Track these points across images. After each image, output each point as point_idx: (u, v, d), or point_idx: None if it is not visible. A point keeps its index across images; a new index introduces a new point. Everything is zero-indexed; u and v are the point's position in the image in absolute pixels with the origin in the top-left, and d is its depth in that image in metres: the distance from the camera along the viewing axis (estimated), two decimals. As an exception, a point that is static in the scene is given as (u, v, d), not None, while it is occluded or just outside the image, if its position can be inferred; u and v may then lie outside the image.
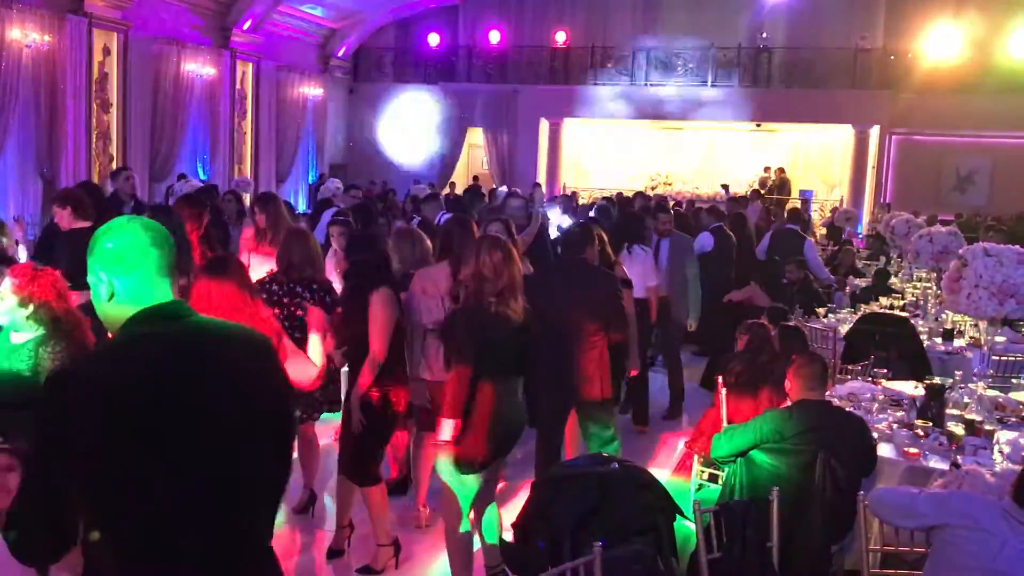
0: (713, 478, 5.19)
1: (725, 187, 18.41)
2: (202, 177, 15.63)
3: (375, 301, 4.39)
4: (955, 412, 4.85)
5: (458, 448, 3.91)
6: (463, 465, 3.91)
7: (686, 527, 3.69)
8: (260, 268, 5.35)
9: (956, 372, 5.60)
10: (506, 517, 4.25)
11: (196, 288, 3.44)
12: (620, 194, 14.58)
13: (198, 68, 15.79)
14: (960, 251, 5.31)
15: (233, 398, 1.90)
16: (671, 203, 14.36)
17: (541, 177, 19.63)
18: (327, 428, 5.92)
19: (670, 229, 7.92)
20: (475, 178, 20.34)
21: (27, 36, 12.13)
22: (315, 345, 3.93)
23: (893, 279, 10.30)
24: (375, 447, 4.56)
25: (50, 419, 1.79)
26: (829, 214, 17.53)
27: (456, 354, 3.93)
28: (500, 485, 5.67)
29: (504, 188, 9.19)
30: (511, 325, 3.98)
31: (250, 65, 17.64)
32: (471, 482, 3.98)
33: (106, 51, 13.77)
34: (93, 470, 1.76)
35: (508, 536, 3.79)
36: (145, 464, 1.78)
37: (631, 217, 7.58)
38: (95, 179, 13.46)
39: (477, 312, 3.93)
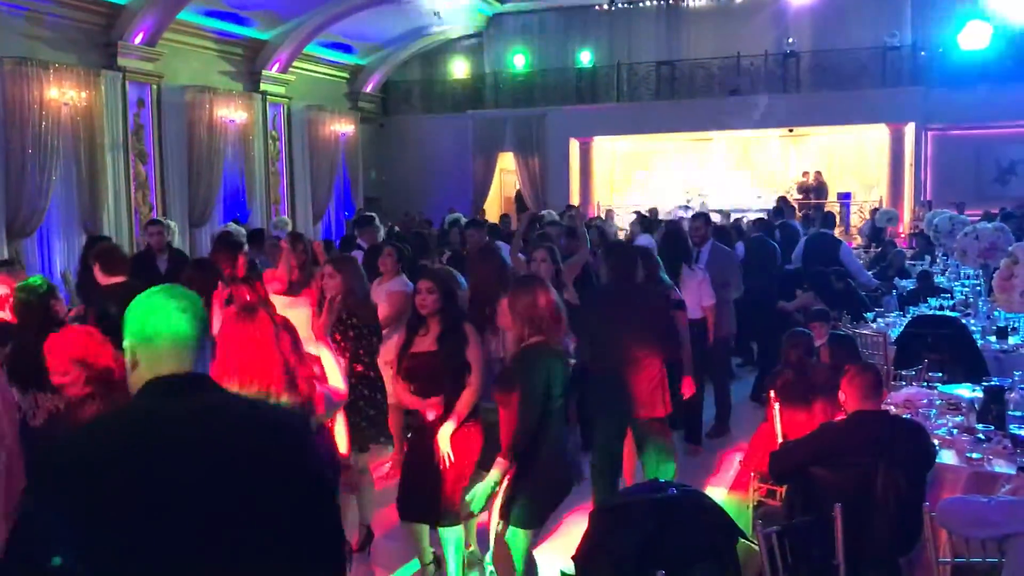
0: (771, 494, 5.10)
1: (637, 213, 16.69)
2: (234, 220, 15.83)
3: (473, 334, 4.38)
4: (1017, 413, 4.72)
5: (517, 504, 3.88)
6: (531, 517, 3.87)
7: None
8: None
9: (1014, 371, 5.46)
10: (564, 548, 4.20)
11: (220, 332, 3.37)
12: (639, 214, 14.31)
13: (230, 113, 16.05)
14: (1010, 248, 5.20)
15: (219, 488, 1.76)
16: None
17: (575, 198, 19.62)
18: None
19: (704, 236, 7.86)
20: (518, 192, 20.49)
21: (64, 94, 12.42)
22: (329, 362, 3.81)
23: (940, 278, 10.13)
24: (463, 484, 4.49)
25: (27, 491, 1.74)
26: (869, 215, 17.28)
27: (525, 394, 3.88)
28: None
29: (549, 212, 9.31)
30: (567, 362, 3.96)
31: (281, 106, 17.90)
32: (533, 534, 3.93)
33: (140, 103, 14.06)
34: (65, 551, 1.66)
35: (569, 568, 3.74)
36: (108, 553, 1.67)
37: (672, 237, 7.50)
38: (137, 230, 13.73)
39: (547, 350, 3.89)
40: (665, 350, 5.26)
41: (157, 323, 1.90)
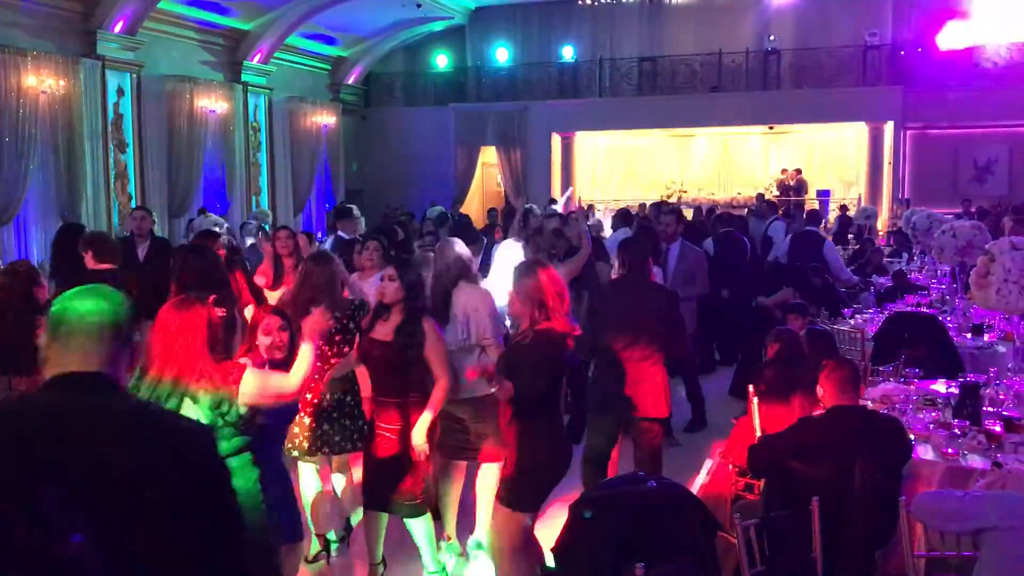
0: (749, 488, 5.14)
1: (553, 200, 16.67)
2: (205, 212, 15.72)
3: (431, 330, 4.38)
4: (992, 409, 4.78)
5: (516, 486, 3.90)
6: (527, 499, 3.89)
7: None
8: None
9: (990, 368, 5.53)
10: (546, 541, 4.21)
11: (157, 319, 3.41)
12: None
13: (211, 103, 15.94)
14: (987, 246, 5.26)
15: (100, 487, 1.77)
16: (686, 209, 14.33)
17: (556, 192, 19.64)
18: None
19: (674, 233, 7.88)
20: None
21: (43, 82, 12.30)
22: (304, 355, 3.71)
23: (918, 275, 10.24)
24: (423, 475, 4.50)
25: None
26: (838, 211, 17.42)
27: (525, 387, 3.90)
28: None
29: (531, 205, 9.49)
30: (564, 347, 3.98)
31: (262, 97, 17.79)
32: (530, 517, 3.95)
33: (120, 92, 13.94)
34: None
35: (548, 561, 3.76)
36: None
37: (643, 233, 7.52)
38: (115, 219, 13.63)
39: (547, 341, 3.90)
40: (671, 347, 5.31)
41: (70, 320, 1.93)
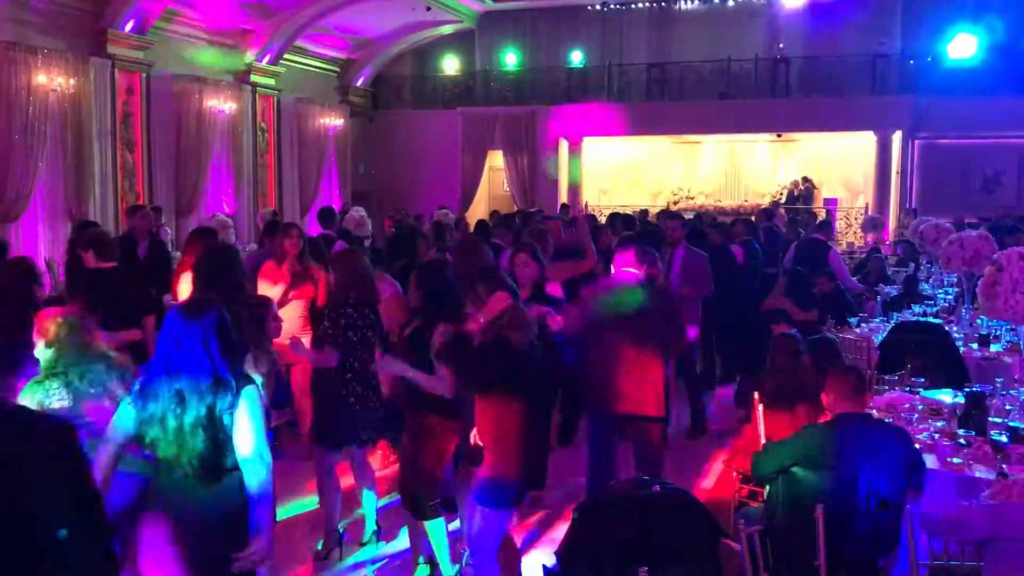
0: (752, 495, 5.12)
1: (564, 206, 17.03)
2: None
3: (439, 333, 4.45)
4: (998, 420, 4.77)
5: (494, 481, 3.93)
6: (500, 499, 3.91)
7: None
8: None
9: (996, 379, 5.52)
10: (552, 544, 4.22)
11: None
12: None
13: (219, 104, 15.97)
14: (995, 256, 5.24)
15: None
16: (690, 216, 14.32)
17: (563, 197, 19.65)
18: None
19: (679, 238, 7.86)
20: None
21: (53, 80, 12.33)
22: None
23: (924, 285, 10.21)
24: (437, 476, 4.53)
25: None
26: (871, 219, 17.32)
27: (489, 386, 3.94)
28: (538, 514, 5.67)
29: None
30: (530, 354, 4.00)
31: (270, 99, 17.83)
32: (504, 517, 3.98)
33: (129, 91, 13.98)
34: None
35: (551, 562, 3.75)
36: None
37: (643, 236, 7.50)
38: (122, 217, 13.65)
39: (502, 344, 3.93)
40: (669, 348, 5.29)
41: None
